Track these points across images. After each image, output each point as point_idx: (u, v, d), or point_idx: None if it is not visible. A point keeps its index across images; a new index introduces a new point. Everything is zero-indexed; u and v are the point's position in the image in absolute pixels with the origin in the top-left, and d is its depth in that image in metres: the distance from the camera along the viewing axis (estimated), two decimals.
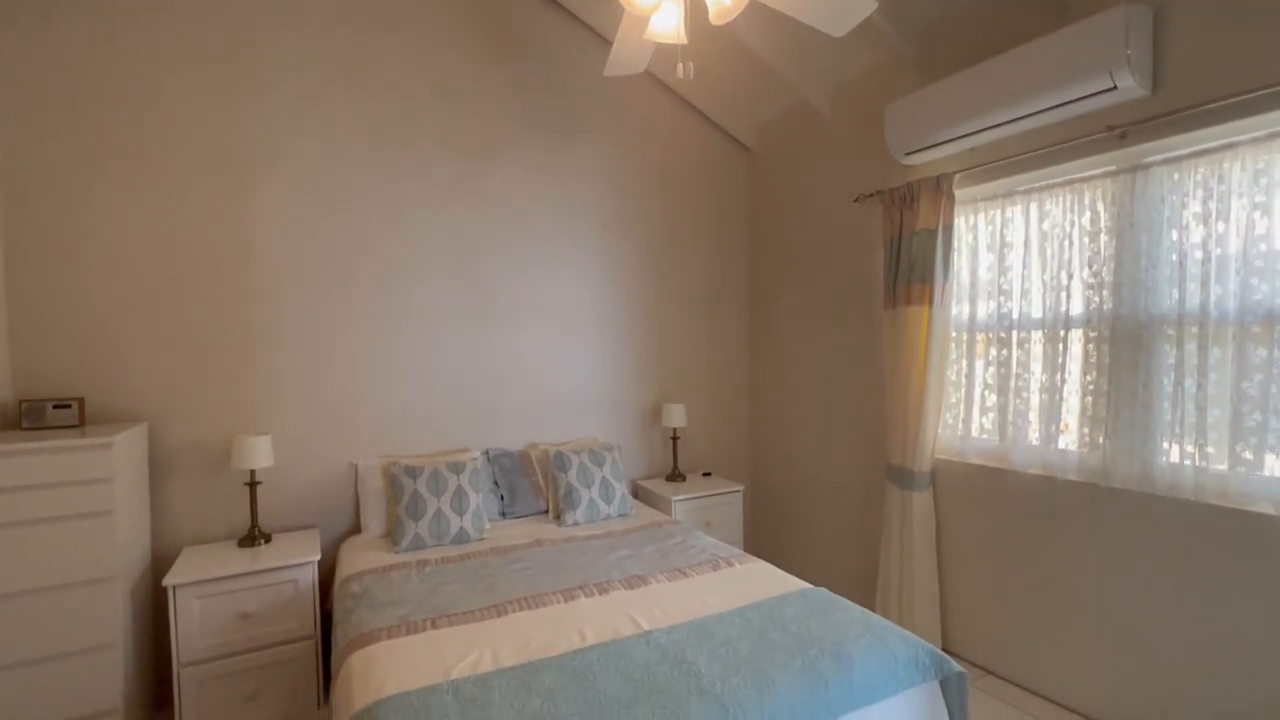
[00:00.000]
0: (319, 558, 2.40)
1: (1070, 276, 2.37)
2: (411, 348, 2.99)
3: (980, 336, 2.71)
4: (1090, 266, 2.31)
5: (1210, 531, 1.99)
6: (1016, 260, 2.55)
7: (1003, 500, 2.58)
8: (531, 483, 3.07)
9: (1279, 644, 1.84)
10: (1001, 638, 2.59)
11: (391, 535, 2.63)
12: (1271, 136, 1.87)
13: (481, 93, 3.15)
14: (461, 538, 2.61)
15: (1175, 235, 2.09)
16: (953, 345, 2.79)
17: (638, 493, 3.54)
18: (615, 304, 3.54)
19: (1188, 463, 2.05)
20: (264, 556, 2.36)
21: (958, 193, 2.69)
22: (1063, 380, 2.39)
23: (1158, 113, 2.06)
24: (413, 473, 2.66)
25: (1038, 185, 2.47)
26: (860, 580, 3.16)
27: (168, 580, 2.15)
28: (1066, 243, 2.38)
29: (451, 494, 2.64)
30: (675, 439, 3.56)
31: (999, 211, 2.62)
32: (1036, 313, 2.49)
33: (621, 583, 2.14)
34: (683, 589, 2.09)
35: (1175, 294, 2.09)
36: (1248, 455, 1.93)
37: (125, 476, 2.15)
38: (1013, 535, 2.54)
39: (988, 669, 2.63)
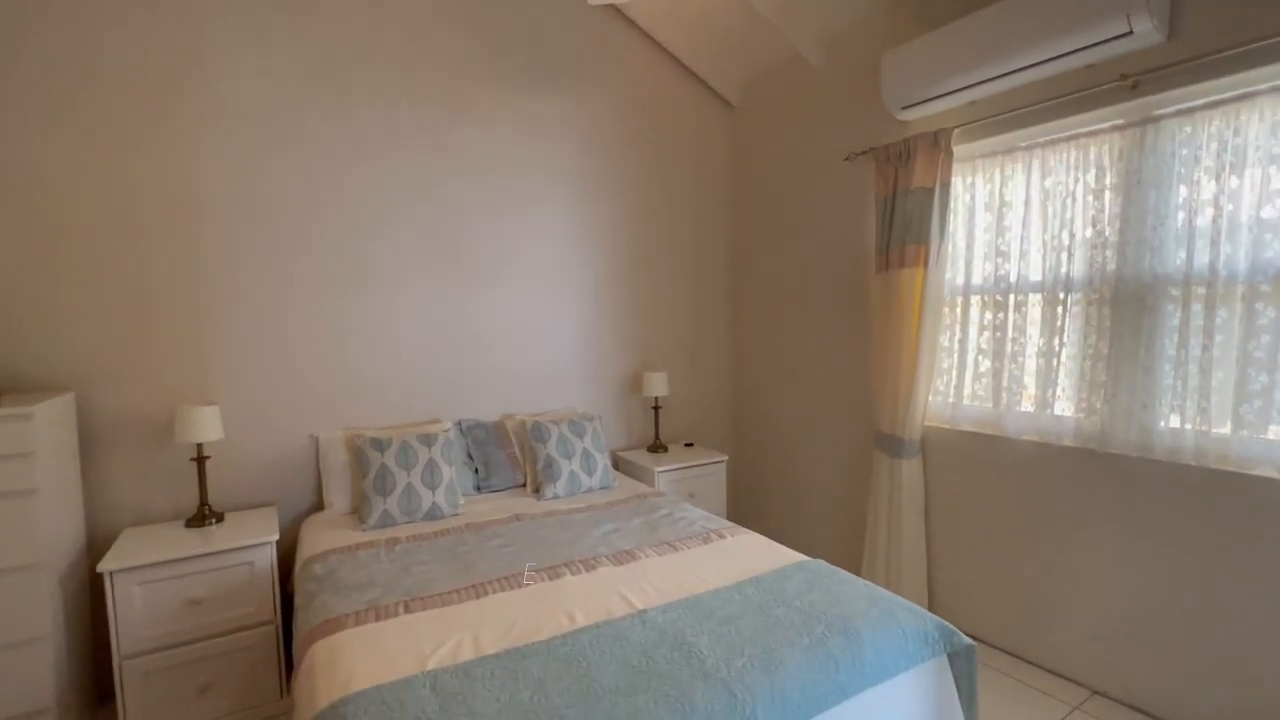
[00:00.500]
0: (277, 537, 2.20)
1: (1072, 236, 2.28)
2: (375, 310, 2.77)
3: (975, 300, 2.62)
4: (1094, 226, 2.22)
5: (1210, 496, 1.95)
6: (1016, 220, 2.46)
7: (995, 468, 2.53)
8: (508, 455, 2.91)
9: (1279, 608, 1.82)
10: (991, 605, 2.56)
11: (358, 512, 2.45)
12: None
13: (446, 32, 2.88)
14: (434, 513, 2.44)
15: (1185, 192, 2.01)
16: (946, 310, 2.70)
17: (619, 464, 3.41)
18: (593, 267, 3.36)
19: (1189, 426, 2.01)
20: (215, 537, 2.16)
21: (955, 149, 2.57)
22: (1061, 345, 2.32)
23: (1174, 60, 1.95)
24: (380, 445, 2.47)
25: (1041, 141, 2.36)
26: (846, 550, 3.11)
27: (103, 566, 1.93)
28: (1069, 201, 2.28)
29: (422, 467, 2.46)
30: (657, 408, 3.43)
31: (998, 170, 2.51)
32: (1035, 275, 2.41)
33: (609, 558, 2.01)
34: (674, 564, 1.97)
35: (1182, 253, 2.01)
36: (1251, 418, 1.88)
37: (49, 451, 1.91)
38: (1004, 503, 2.50)
39: (977, 637, 2.60)
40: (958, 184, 2.62)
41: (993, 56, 2.26)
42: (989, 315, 2.56)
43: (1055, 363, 2.34)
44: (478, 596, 1.75)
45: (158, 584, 2.01)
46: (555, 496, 2.72)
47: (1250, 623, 1.88)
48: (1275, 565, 1.83)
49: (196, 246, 2.39)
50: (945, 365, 2.74)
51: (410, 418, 2.86)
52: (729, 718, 1.25)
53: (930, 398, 2.73)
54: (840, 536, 3.18)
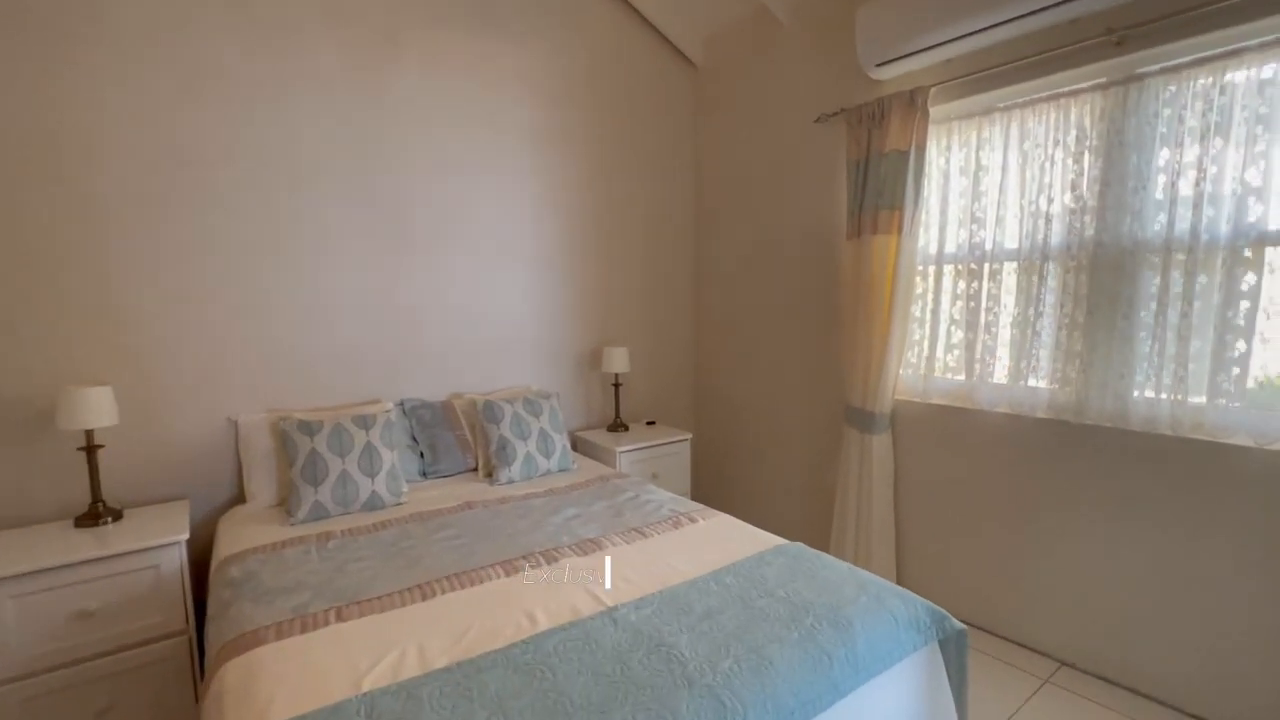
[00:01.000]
0: (188, 536, 1.92)
1: (1050, 201, 2.20)
2: (304, 278, 2.46)
3: (949, 269, 2.54)
4: (1073, 190, 2.14)
5: (1185, 466, 1.92)
6: (992, 185, 2.36)
7: (966, 441, 2.47)
8: (457, 437, 2.67)
9: (1252, 575, 1.81)
10: (962, 581, 2.53)
11: (285, 504, 2.18)
12: (1279, 41, 1.72)
13: None
14: (374, 503, 2.20)
15: (1167, 154, 1.94)
16: (918, 279, 2.60)
17: (578, 445, 3.22)
18: (548, 234, 3.11)
19: (1164, 395, 1.97)
20: (112, 538, 1.86)
21: (931, 111, 2.44)
22: (1037, 314, 2.25)
23: (1161, 14, 1.86)
24: (309, 429, 2.19)
25: (1020, 101, 2.26)
26: (814, 527, 3.03)
27: None
28: (1048, 164, 2.20)
29: (359, 452, 2.21)
30: (617, 385, 3.24)
31: (975, 132, 2.41)
32: (1011, 242, 2.33)
33: (572, 548, 1.83)
34: (644, 552, 1.80)
35: (1163, 218, 1.96)
36: (1228, 386, 1.85)
37: None
38: (976, 477, 2.45)
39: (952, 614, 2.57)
40: (933, 148, 2.51)
41: (974, 8, 2.14)
42: (963, 284, 2.48)
43: (1030, 333, 2.27)
44: (424, 598, 1.54)
45: (38, 596, 1.70)
46: (510, 481, 2.51)
47: (1220, 592, 1.87)
48: (1247, 535, 1.82)
49: (85, 200, 2.03)
50: (917, 337, 2.65)
51: (346, 398, 2.58)
52: None
53: (901, 370, 2.65)
54: (808, 514, 3.10)
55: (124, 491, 2.13)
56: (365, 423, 2.28)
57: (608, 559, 1.75)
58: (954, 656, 1.51)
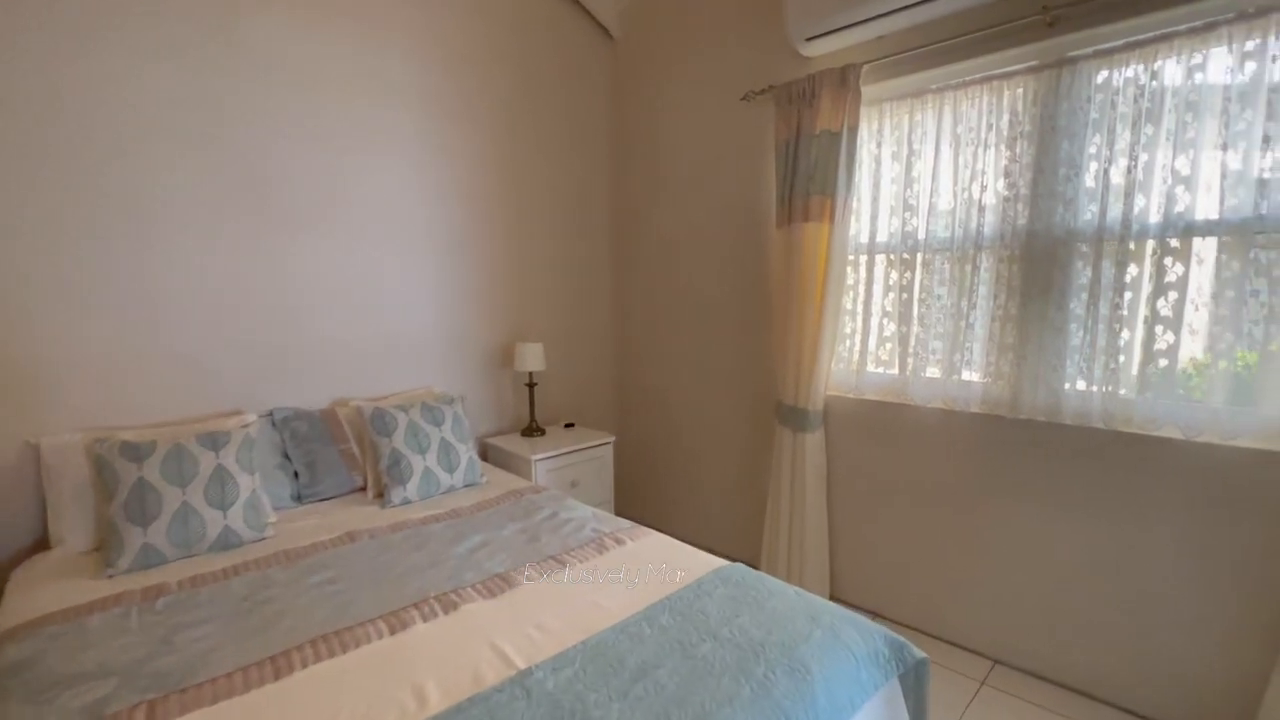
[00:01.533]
0: None
1: (984, 189, 2.12)
2: (133, 261, 1.98)
3: (881, 259, 2.43)
4: (1006, 177, 2.07)
5: (1117, 459, 1.89)
6: (925, 171, 2.26)
7: (900, 437, 2.38)
8: (341, 452, 2.28)
9: (1180, 567, 1.80)
10: (894, 581, 2.44)
11: (103, 550, 1.71)
12: (1209, 26, 1.69)
13: None
14: (228, 541, 1.78)
15: (1099, 140, 1.89)
16: (850, 269, 2.48)
17: (487, 453, 2.89)
18: (451, 216, 2.75)
19: (1096, 388, 1.93)
20: None
21: (863, 90, 2.31)
22: (970, 306, 2.17)
23: None
24: (136, 452, 1.74)
25: (953, 83, 2.16)
26: (746, 531, 2.88)
27: None
28: (981, 150, 2.11)
29: (206, 479, 1.78)
30: (532, 386, 2.93)
31: (907, 115, 2.30)
32: (944, 231, 2.24)
33: (478, 589, 1.53)
34: (565, 588, 1.53)
35: (1094, 207, 1.91)
36: (1157, 379, 1.83)
37: None
38: (911, 474, 2.36)
39: (879, 613, 2.48)
40: (864, 131, 2.38)
41: None
42: (895, 275, 2.38)
43: (964, 325, 2.19)
44: (278, 675, 1.19)
45: None
46: (405, 502, 2.15)
47: (1149, 582, 1.86)
48: (1175, 527, 1.81)
49: None
50: (849, 330, 2.53)
51: (193, 410, 2.12)
52: None
53: (833, 365, 2.53)
54: (739, 517, 2.94)
55: None
56: (215, 442, 1.85)
57: (520, 600, 1.46)
58: (913, 687, 1.36)
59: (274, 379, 2.31)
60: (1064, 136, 1.94)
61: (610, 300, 3.46)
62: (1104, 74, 1.87)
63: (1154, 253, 1.82)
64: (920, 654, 1.35)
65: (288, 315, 2.32)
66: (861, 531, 2.52)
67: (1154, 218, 1.81)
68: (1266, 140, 1.63)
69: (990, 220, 2.12)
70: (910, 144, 2.29)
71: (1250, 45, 1.64)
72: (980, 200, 2.13)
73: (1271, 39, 1.61)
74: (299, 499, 2.15)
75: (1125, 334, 1.88)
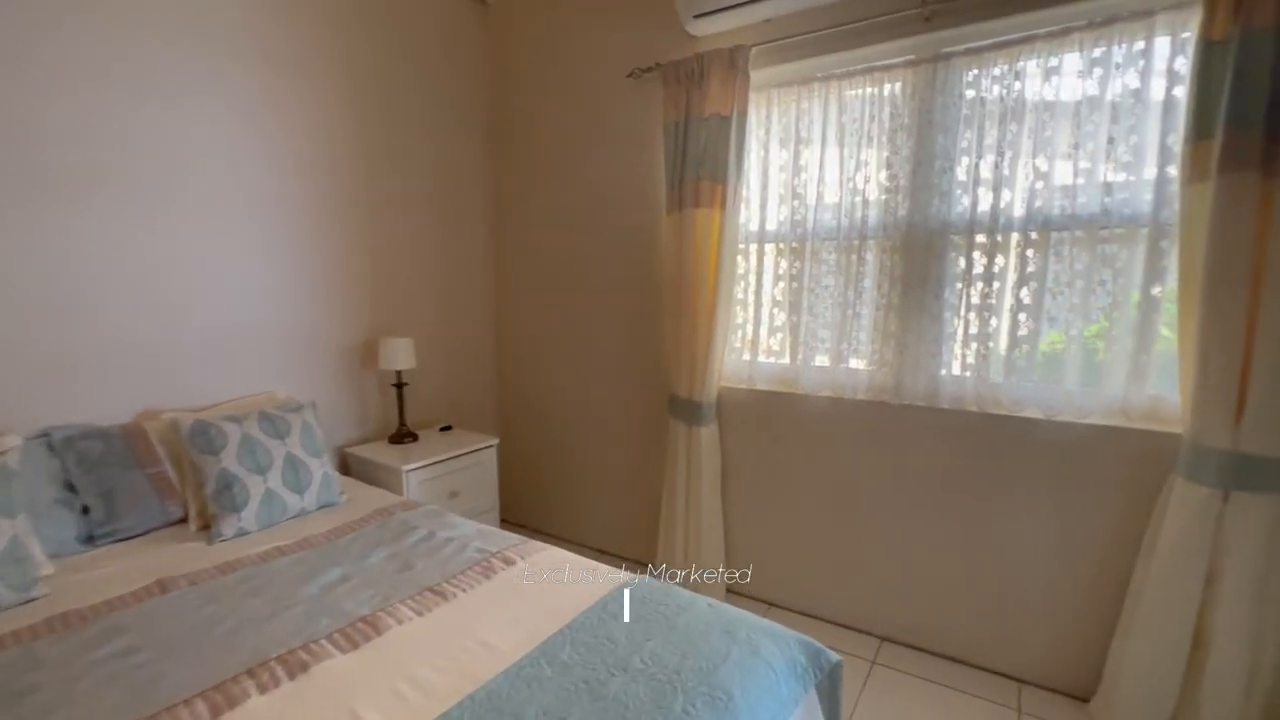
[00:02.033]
0: None
1: (867, 181, 2.15)
2: None
3: (770, 248, 2.40)
4: (888, 168, 2.11)
5: (989, 440, 2.00)
6: (813, 160, 2.26)
7: (791, 427, 2.38)
8: (150, 476, 1.84)
9: (1042, 536, 1.94)
10: (787, 568, 2.45)
11: None
12: (1064, 32, 1.80)
13: None
14: None
15: (971, 136, 1.97)
16: (740, 258, 2.44)
17: (349, 466, 2.52)
18: (294, 190, 2.34)
19: (968, 374, 2.03)
20: None
21: (751, 75, 2.26)
22: (856, 295, 2.21)
23: None
24: None
25: (838, 72, 2.17)
26: (640, 530, 2.77)
27: None
28: (865, 141, 2.14)
29: None
30: (400, 386, 2.60)
31: (794, 103, 2.28)
32: (831, 221, 2.25)
33: (336, 639, 1.25)
34: (446, 626, 1.31)
35: (967, 200, 1.99)
36: (1022, 363, 1.95)
37: None
38: (802, 462, 2.37)
39: (775, 603, 2.49)
40: (753, 117, 2.33)
41: None
42: (785, 264, 2.36)
43: (851, 314, 2.22)
44: None
45: None
46: (241, 534, 1.78)
47: (1015, 553, 1.99)
48: (1037, 498, 1.94)
49: None
50: (740, 320, 2.50)
51: None
52: None
53: (726, 356, 2.48)
54: (634, 516, 2.82)
55: None
56: None
57: (390, 649, 1.22)
58: (828, 691, 1.31)
59: (50, 390, 1.81)
60: (939, 131, 2.01)
61: (489, 290, 3.19)
62: (974, 72, 1.95)
63: (1018, 245, 1.93)
64: (835, 657, 1.30)
65: (67, 308, 1.83)
66: (756, 523, 2.51)
67: (1018, 212, 1.92)
68: (1111, 142, 1.77)
69: (874, 211, 2.15)
70: (798, 132, 2.28)
71: (1098, 52, 1.77)
72: (864, 191, 2.16)
73: (1115, 47, 1.74)
74: (90, 540, 1.70)
75: (994, 321, 1.99)
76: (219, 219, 2.13)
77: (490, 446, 2.70)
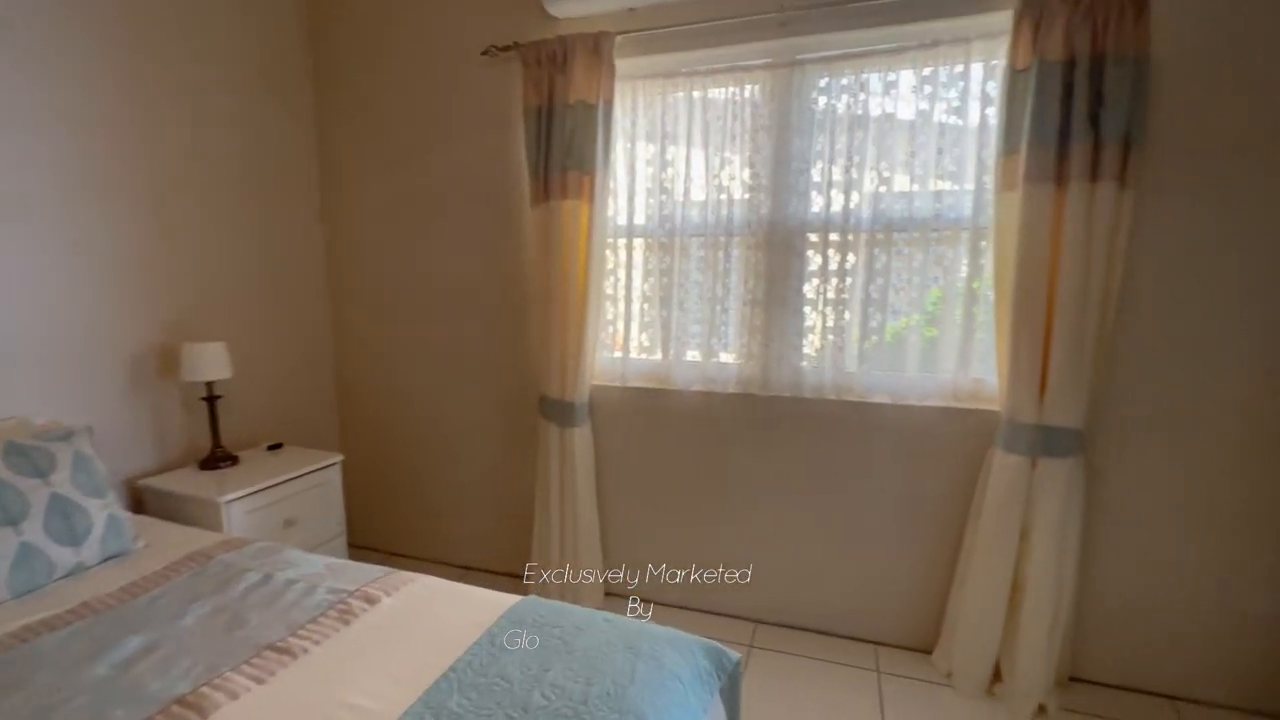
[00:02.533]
0: None
1: (732, 178, 2.20)
2: None
3: (639, 243, 2.37)
4: (751, 167, 2.18)
5: (845, 425, 2.16)
6: (680, 155, 2.26)
7: (665, 422, 2.38)
8: None
9: (891, 511, 2.13)
10: (665, 564, 2.45)
11: None
12: (900, 50, 1.97)
13: None
14: None
15: (824, 140, 2.09)
16: (609, 252, 2.38)
17: (145, 504, 2.04)
18: (70, 165, 1.83)
19: (826, 365, 2.17)
20: None
21: (618, 64, 2.20)
22: (724, 290, 2.25)
23: (814, 2, 1.97)
24: None
25: (702, 69, 2.19)
26: (513, 540, 2.61)
27: None
28: (729, 139, 2.19)
29: None
30: (212, 400, 2.16)
31: (660, 96, 2.26)
32: (699, 217, 2.27)
33: None
34: (299, 693, 1.08)
35: (821, 200, 2.12)
36: (871, 353, 2.12)
37: None
38: (675, 457, 2.38)
39: (655, 600, 2.48)
40: (619, 108, 2.27)
41: None
42: (654, 259, 2.34)
43: (720, 309, 2.27)
44: None
45: None
46: None
47: (870, 527, 2.17)
48: (887, 477, 2.13)
49: None
50: (610, 316, 2.44)
51: None
52: None
53: (597, 353, 2.40)
54: (504, 524, 2.65)
55: None
56: None
57: None
58: (729, 689, 1.29)
59: None
60: (795, 134, 2.10)
61: (322, 284, 2.79)
62: (825, 79, 2.07)
63: (866, 244, 2.09)
64: (735, 656, 1.29)
65: None
66: (633, 522, 2.48)
67: (866, 213, 2.07)
68: (940, 153, 1.98)
69: (739, 209, 2.21)
70: (664, 126, 2.26)
71: (927, 71, 1.96)
72: (729, 189, 2.20)
73: (941, 68, 1.94)
74: None
75: (847, 314, 2.14)
76: None
77: (333, 465, 2.36)
